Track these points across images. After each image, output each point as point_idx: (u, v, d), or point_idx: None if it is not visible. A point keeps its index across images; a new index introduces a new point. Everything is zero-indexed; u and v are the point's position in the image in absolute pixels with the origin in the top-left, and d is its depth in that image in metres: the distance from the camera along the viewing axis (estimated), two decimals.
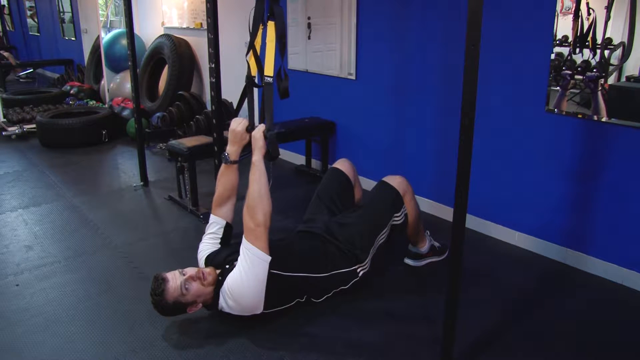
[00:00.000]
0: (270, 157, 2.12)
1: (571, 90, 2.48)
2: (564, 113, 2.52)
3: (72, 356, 1.97)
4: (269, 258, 2.00)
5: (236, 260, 2.06)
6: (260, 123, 2.19)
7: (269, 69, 2.13)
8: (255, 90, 2.28)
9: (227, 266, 2.09)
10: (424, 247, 2.59)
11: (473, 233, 2.97)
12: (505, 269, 2.63)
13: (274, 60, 2.15)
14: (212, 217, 2.35)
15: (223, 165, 2.31)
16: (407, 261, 2.62)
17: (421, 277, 2.53)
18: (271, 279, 2.02)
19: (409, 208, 2.42)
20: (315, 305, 2.23)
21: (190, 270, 2.06)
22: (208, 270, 2.10)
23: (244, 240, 2.02)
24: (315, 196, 2.57)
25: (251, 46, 2.13)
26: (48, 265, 2.67)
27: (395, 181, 2.42)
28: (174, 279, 2.00)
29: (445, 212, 3.15)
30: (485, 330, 2.10)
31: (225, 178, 2.32)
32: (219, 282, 2.05)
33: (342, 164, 2.62)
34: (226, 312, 2.07)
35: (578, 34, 2.38)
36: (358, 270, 2.28)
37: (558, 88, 2.52)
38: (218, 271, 2.11)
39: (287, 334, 2.08)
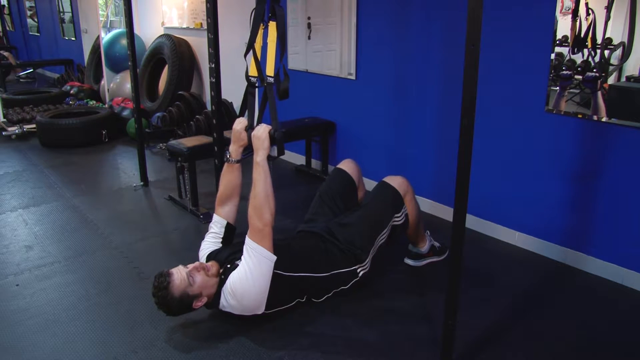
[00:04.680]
0: (271, 156, 2.13)
1: (571, 90, 2.48)
2: (562, 113, 2.52)
3: (72, 356, 1.97)
4: (275, 257, 2.01)
5: (238, 259, 2.06)
6: (259, 123, 2.19)
7: (270, 69, 2.14)
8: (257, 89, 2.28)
9: (229, 265, 2.09)
10: (424, 247, 2.59)
11: (473, 233, 2.97)
12: (505, 269, 2.63)
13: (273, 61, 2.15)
14: (214, 217, 2.36)
15: (225, 164, 2.32)
16: (407, 261, 2.62)
17: (421, 277, 2.53)
18: (273, 279, 2.02)
19: (409, 208, 2.41)
20: (315, 305, 2.23)
21: (193, 264, 2.08)
22: (210, 263, 2.12)
23: (248, 240, 2.02)
24: (317, 196, 2.57)
25: (250, 46, 2.14)
26: (48, 265, 2.67)
27: (395, 181, 2.42)
28: (179, 271, 2.01)
29: (445, 212, 3.15)
30: (485, 330, 2.10)
31: (227, 177, 2.33)
32: (221, 281, 2.05)
33: (346, 165, 2.61)
34: (226, 312, 2.07)
35: (577, 34, 2.38)
36: (358, 270, 2.28)
37: (558, 88, 2.52)
38: (220, 270, 2.11)
39: (287, 333, 2.08)
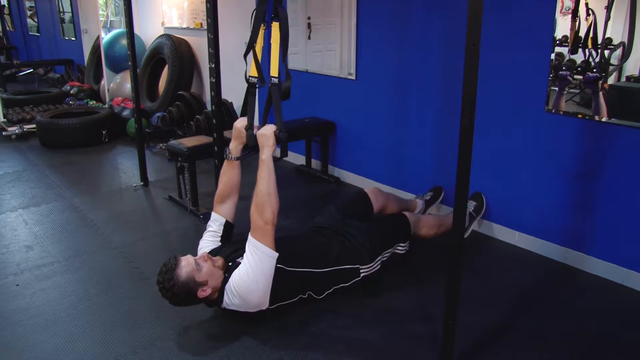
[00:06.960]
0: (274, 157, 2.14)
1: (571, 90, 2.48)
2: (561, 113, 2.52)
3: (72, 356, 1.97)
4: (276, 255, 2.02)
5: (239, 257, 2.07)
6: (264, 123, 2.21)
7: (274, 70, 2.14)
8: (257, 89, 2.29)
9: (230, 264, 2.10)
10: None
11: (473, 233, 2.96)
12: (505, 269, 2.63)
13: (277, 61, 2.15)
14: (213, 214, 2.37)
15: (225, 161, 2.33)
16: None
17: (421, 277, 2.53)
18: (276, 274, 2.03)
19: (426, 229, 2.61)
20: (315, 305, 2.23)
21: (200, 255, 2.12)
22: (216, 257, 2.13)
23: (250, 238, 2.03)
24: (333, 206, 2.62)
25: (251, 46, 2.14)
26: (48, 265, 2.67)
27: (411, 217, 2.57)
28: (187, 258, 2.03)
29: (445, 212, 3.15)
30: (485, 330, 2.11)
31: (226, 174, 2.34)
32: (224, 279, 2.05)
33: (372, 193, 2.70)
34: (231, 310, 2.07)
35: (577, 35, 2.38)
36: (361, 270, 2.30)
37: (557, 88, 2.52)
38: (226, 266, 2.12)
39: (287, 333, 2.09)
